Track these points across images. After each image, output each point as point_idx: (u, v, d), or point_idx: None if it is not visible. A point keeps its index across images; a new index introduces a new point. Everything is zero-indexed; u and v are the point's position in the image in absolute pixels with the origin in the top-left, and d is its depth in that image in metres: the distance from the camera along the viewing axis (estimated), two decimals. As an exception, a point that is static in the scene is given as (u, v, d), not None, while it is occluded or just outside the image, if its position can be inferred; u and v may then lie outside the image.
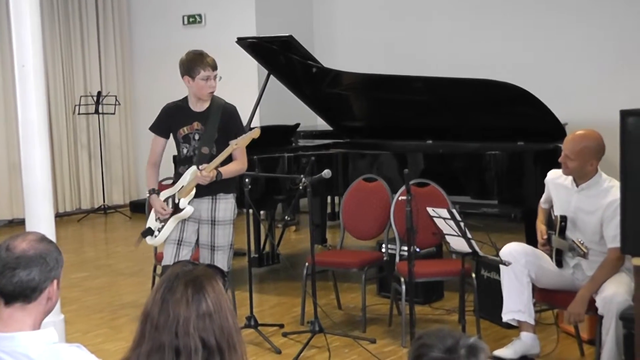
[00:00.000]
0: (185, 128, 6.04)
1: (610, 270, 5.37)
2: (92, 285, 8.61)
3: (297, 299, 7.33)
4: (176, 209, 6.00)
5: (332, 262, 7.22)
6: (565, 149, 5.46)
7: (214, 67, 5.95)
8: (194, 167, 5.95)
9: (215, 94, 6.11)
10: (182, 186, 6.01)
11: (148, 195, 6.15)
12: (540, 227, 5.76)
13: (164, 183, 6.76)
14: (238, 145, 5.85)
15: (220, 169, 5.89)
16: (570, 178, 5.59)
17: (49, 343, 2.87)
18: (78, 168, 13.07)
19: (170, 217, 6.02)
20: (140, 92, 13.54)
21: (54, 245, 2.97)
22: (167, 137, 6.15)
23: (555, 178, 5.76)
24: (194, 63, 5.93)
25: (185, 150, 6.04)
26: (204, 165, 5.87)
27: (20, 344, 2.82)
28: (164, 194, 6.11)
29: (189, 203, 5.98)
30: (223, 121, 5.99)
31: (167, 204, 6.04)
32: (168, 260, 5.98)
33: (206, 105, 6.03)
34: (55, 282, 2.93)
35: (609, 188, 5.44)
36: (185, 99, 6.08)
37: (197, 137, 6.01)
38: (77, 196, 13.08)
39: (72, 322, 6.80)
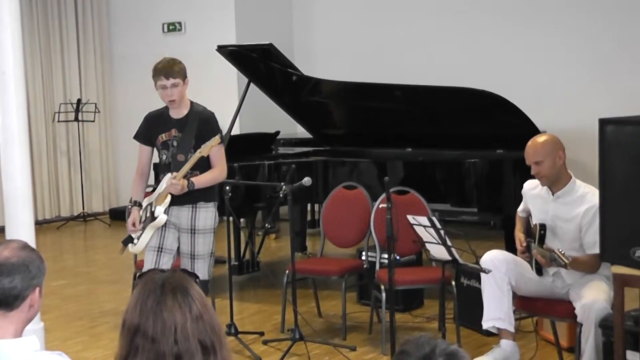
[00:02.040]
0: (163, 135, 6.03)
1: (587, 268, 5.42)
2: (71, 292, 8.58)
3: (277, 306, 7.33)
4: (152, 217, 5.99)
5: (312, 270, 7.23)
6: (531, 158, 5.48)
7: (168, 75, 5.89)
8: (169, 175, 5.95)
9: (195, 101, 6.11)
10: (159, 193, 6.00)
11: (130, 205, 6.14)
12: (519, 236, 5.78)
13: (147, 190, 6.74)
14: (202, 153, 5.83)
15: (194, 179, 5.87)
16: (545, 187, 5.61)
17: (31, 351, 2.86)
18: (57, 175, 13.02)
19: (146, 225, 6.01)
20: (120, 99, 13.52)
21: (36, 253, 2.96)
22: (151, 145, 6.13)
23: (531, 188, 5.79)
24: (154, 72, 5.95)
25: (164, 157, 6.04)
26: (175, 174, 5.86)
27: (2, 351, 2.81)
28: (144, 201, 6.11)
29: (165, 210, 5.96)
30: (200, 128, 5.98)
31: (146, 211, 6.03)
32: (148, 267, 5.96)
33: (185, 112, 6.03)
34: (37, 289, 2.93)
35: (584, 194, 5.47)
36: (167, 107, 6.07)
37: (175, 143, 6.00)
38: (57, 203, 13.03)
39: (52, 330, 6.78)
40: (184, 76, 5.94)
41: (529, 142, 5.58)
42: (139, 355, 2.50)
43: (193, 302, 2.54)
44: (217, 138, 5.81)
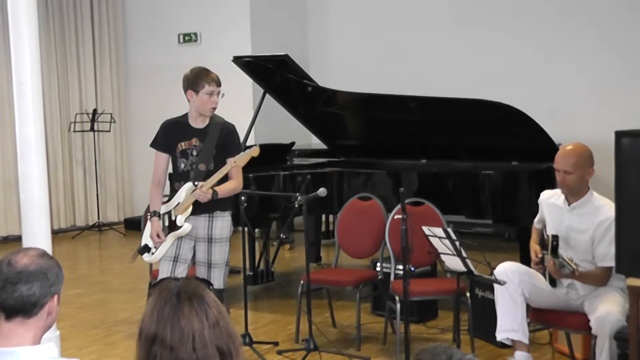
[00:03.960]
0: (183, 143, 6.04)
1: (595, 281, 5.43)
2: (86, 302, 8.61)
3: (291, 316, 7.34)
4: (173, 226, 6.00)
5: (326, 280, 7.24)
6: (562, 166, 5.45)
7: (219, 84, 5.98)
8: (189, 184, 5.95)
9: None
10: (178, 203, 6.01)
11: (150, 216, 6.14)
12: (534, 247, 5.77)
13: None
14: (236, 164, 5.87)
15: (217, 188, 5.90)
16: (562, 197, 5.60)
17: (49, 358, 2.88)
18: (73, 185, 13.09)
19: (167, 235, 6.03)
20: (136, 110, 13.57)
21: (54, 260, 2.99)
22: (169, 153, 6.11)
23: (547, 198, 5.79)
24: (199, 78, 5.96)
25: (182, 166, 6.04)
26: (202, 183, 5.88)
27: (20, 358, 2.84)
28: (162, 210, 6.13)
29: (185, 220, 5.99)
30: (221, 139, 6.00)
31: (164, 220, 6.04)
32: (164, 277, 5.97)
33: (206, 122, 6.04)
34: (55, 297, 2.95)
35: (600, 206, 5.46)
36: (185, 116, 6.08)
37: (194, 153, 6.01)
38: (72, 213, 13.09)
39: (67, 339, 6.80)
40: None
41: (563, 150, 5.56)
42: None
43: (209, 309, 2.56)
44: (256, 149, 5.88)
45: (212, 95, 5.95)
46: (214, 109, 6.01)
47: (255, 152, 5.87)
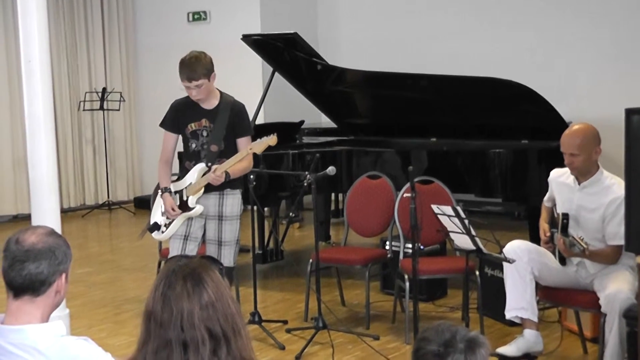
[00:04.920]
0: (193, 124, 6.05)
1: (606, 259, 5.41)
2: (96, 280, 8.64)
3: (301, 295, 7.35)
4: (184, 207, 6.01)
5: (336, 259, 7.24)
6: (568, 148, 5.42)
7: (190, 79, 5.86)
8: (202, 165, 5.97)
9: (221, 89, 6.12)
10: (190, 183, 6.02)
11: (160, 192, 6.15)
12: (544, 225, 5.76)
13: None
14: (253, 150, 5.89)
15: (229, 170, 5.91)
16: (572, 176, 5.58)
17: (57, 336, 2.89)
18: (82, 164, 13.09)
19: (180, 212, 6.04)
20: (145, 88, 13.56)
21: (62, 239, 2.99)
22: (178, 133, 6.12)
23: (557, 176, 5.76)
24: (179, 69, 5.93)
25: (193, 146, 6.06)
26: (216, 166, 5.88)
27: (28, 336, 2.84)
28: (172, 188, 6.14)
29: (196, 200, 6.00)
30: (231, 119, 6.00)
31: (176, 199, 6.06)
32: (174, 254, 5.99)
33: (215, 102, 6.03)
34: (63, 275, 2.95)
35: (610, 185, 5.44)
36: None
37: (205, 133, 6.02)
38: (82, 192, 13.10)
39: (77, 317, 6.81)
40: (208, 73, 5.89)
41: (567, 131, 5.53)
42: (151, 341, 2.52)
43: (205, 290, 2.54)
44: (274, 138, 5.87)
45: (189, 89, 5.92)
46: (199, 99, 5.97)
47: (272, 141, 5.89)
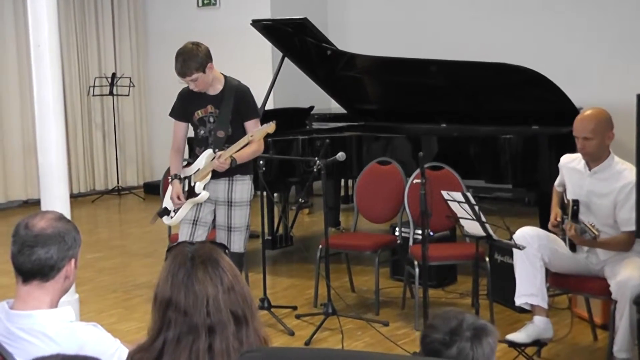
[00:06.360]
0: (200, 111, 6.06)
1: (619, 247, 5.38)
2: (106, 265, 8.65)
3: (310, 281, 7.35)
4: (192, 193, 6.02)
5: (345, 245, 7.23)
6: (581, 132, 5.39)
7: (182, 74, 5.89)
8: (209, 151, 5.99)
9: (230, 75, 6.12)
10: (198, 169, 6.03)
11: (171, 178, 6.17)
12: (556, 209, 5.73)
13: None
14: (253, 138, 5.89)
15: (235, 156, 5.91)
16: (583, 162, 5.55)
17: (66, 321, 2.89)
18: (92, 149, 13.09)
19: (186, 200, 6.06)
20: (155, 74, 13.53)
21: (72, 224, 2.98)
22: (187, 121, 6.15)
23: (568, 162, 5.74)
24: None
25: (202, 132, 6.08)
26: (220, 153, 5.89)
27: (37, 321, 2.84)
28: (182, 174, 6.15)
29: (204, 187, 6.01)
30: (236, 103, 6.00)
31: (184, 185, 6.07)
32: (183, 239, 5.99)
33: (219, 87, 6.04)
34: (72, 261, 2.95)
35: (621, 170, 5.41)
36: None
37: (212, 120, 6.03)
38: (92, 177, 13.10)
39: (86, 302, 6.82)
40: (202, 67, 5.86)
41: (581, 115, 5.49)
42: (172, 328, 2.52)
43: (224, 273, 2.56)
44: (272, 125, 5.87)
45: (185, 82, 5.93)
46: (199, 90, 5.99)
47: (270, 128, 5.89)
